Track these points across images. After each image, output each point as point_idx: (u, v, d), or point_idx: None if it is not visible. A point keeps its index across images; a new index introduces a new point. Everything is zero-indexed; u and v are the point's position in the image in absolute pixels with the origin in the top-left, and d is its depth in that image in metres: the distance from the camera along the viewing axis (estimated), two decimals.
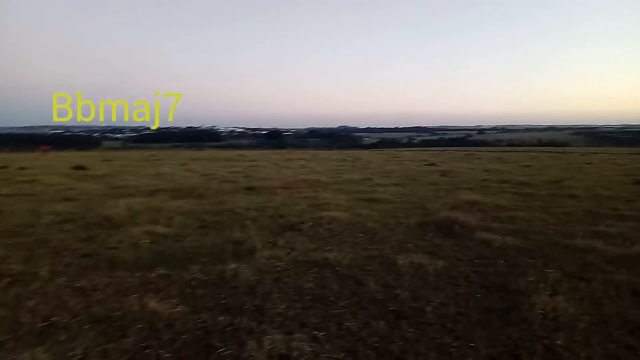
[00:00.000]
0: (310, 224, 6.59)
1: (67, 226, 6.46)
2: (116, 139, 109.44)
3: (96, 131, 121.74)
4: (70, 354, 2.81)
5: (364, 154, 30.34)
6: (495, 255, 5.09)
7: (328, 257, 4.89)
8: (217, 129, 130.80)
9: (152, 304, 3.52)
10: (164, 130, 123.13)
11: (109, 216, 6.89)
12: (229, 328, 3.22)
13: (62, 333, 3.13)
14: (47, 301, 3.68)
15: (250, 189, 10.65)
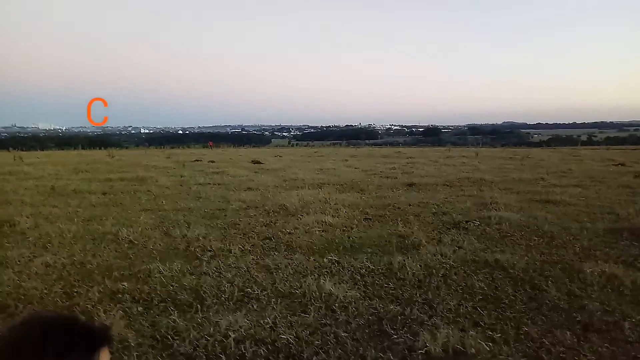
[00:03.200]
0: (477, 222, 6.30)
1: (251, 212, 7.33)
2: (283, 136, 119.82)
3: (267, 130, 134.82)
4: (263, 321, 3.21)
5: (534, 151, 27.50)
6: None
7: (500, 258, 4.62)
8: (374, 127, 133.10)
9: (328, 286, 3.79)
10: (325, 128, 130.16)
11: (285, 205, 7.60)
12: (400, 317, 3.30)
13: (255, 303, 3.60)
14: (241, 274, 4.26)
15: (410, 185, 10.61)
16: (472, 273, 4.27)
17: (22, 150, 31.50)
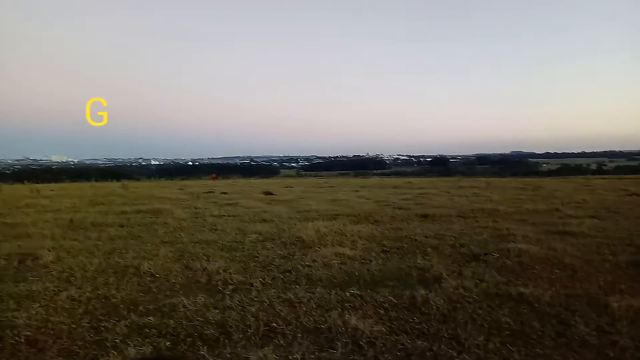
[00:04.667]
0: (497, 255, 6.28)
1: (268, 244, 7.37)
2: (292, 167, 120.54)
3: (275, 160, 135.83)
4: (291, 357, 3.21)
5: (545, 181, 27.38)
6: None
7: (524, 292, 4.59)
8: (382, 157, 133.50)
9: (353, 321, 3.79)
10: (333, 159, 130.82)
11: (301, 237, 7.64)
12: (429, 353, 3.29)
13: (281, 338, 3.60)
14: (264, 308, 4.27)
15: (424, 216, 10.61)
16: (496, 307, 4.24)
17: (36, 183, 31.94)
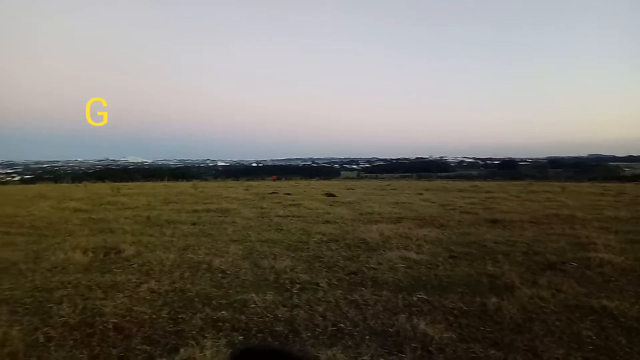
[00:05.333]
0: (575, 264, 5.90)
1: (333, 245, 7.44)
2: (352, 169, 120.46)
3: (336, 162, 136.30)
4: (359, 358, 3.22)
5: (628, 187, 25.29)
6: None
7: (607, 305, 4.28)
8: (446, 159, 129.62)
9: (422, 326, 3.73)
10: (394, 161, 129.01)
11: (365, 239, 7.63)
12: None
13: (348, 339, 3.62)
14: (331, 309, 4.32)
15: (493, 221, 10.20)
16: (577, 320, 3.99)
17: (115, 182, 34.49)
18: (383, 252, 6.77)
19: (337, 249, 7.20)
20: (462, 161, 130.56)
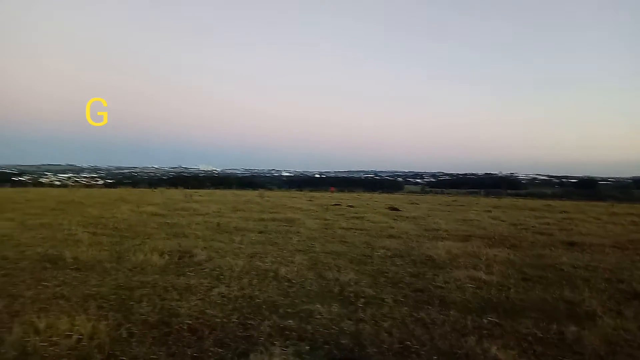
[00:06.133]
0: None
1: (397, 261, 7.34)
2: (417, 183, 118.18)
3: (400, 175, 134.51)
4: None
5: None
6: None
7: None
8: (517, 176, 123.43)
9: (493, 350, 3.58)
10: (461, 176, 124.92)
11: (431, 256, 7.47)
12: None
13: (415, 357, 3.56)
14: (397, 325, 4.26)
15: (570, 244, 9.57)
16: None
17: (186, 188, 36.45)
18: (450, 270, 6.58)
19: (402, 264, 7.10)
20: (534, 178, 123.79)
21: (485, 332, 4.15)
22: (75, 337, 3.51)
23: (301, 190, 47.99)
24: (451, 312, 4.68)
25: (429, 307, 4.92)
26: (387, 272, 6.51)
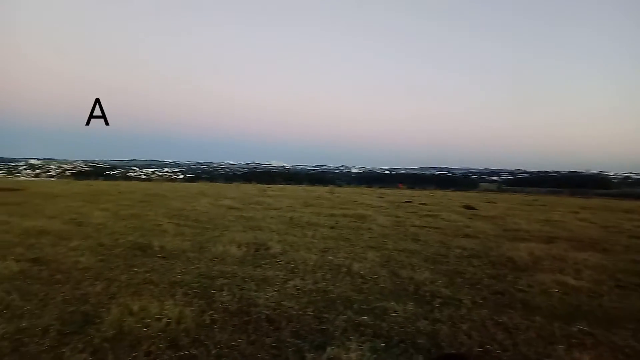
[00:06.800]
0: None
1: (475, 261, 7.05)
2: (493, 181, 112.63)
3: (474, 172, 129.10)
4: None
5: None
6: None
7: None
8: (607, 175, 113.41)
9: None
10: (542, 174, 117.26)
11: (512, 258, 7.08)
12: None
13: None
14: (476, 328, 4.09)
15: None
16: None
17: (259, 183, 37.76)
18: (533, 273, 6.19)
19: (479, 265, 6.81)
20: (627, 177, 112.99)
21: (575, 340, 3.86)
22: (164, 320, 3.75)
23: (370, 187, 47.75)
24: (536, 318, 4.41)
25: (511, 310, 4.68)
26: (464, 273, 6.27)
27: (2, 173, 79.74)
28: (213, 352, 3.37)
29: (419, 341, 3.72)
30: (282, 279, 5.52)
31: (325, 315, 4.26)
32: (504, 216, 14.63)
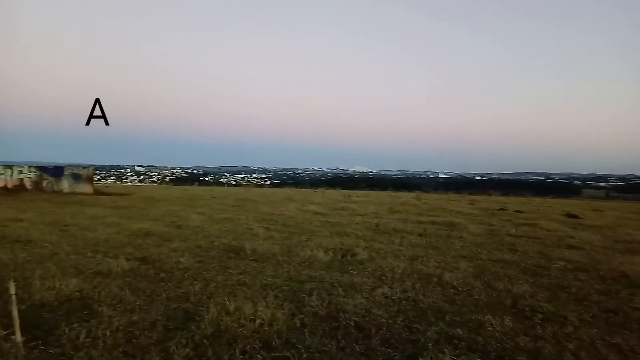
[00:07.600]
0: None
1: (581, 275, 6.44)
2: (599, 187, 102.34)
3: (577, 178, 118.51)
4: None
5: None
6: None
7: None
8: None
9: None
10: None
11: (625, 272, 6.36)
12: None
13: None
14: (585, 348, 3.72)
15: None
16: None
17: (342, 189, 37.99)
18: None
19: (587, 279, 6.19)
20: None
21: None
22: (258, 321, 3.89)
23: (460, 193, 45.79)
24: None
25: (626, 331, 4.19)
26: (568, 287, 5.74)
27: (112, 179, 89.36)
28: (304, 355, 3.42)
29: (518, 358, 3.47)
30: (370, 286, 5.47)
31: (416, 326, 4.13)
32: (614, 226, 13.19)
